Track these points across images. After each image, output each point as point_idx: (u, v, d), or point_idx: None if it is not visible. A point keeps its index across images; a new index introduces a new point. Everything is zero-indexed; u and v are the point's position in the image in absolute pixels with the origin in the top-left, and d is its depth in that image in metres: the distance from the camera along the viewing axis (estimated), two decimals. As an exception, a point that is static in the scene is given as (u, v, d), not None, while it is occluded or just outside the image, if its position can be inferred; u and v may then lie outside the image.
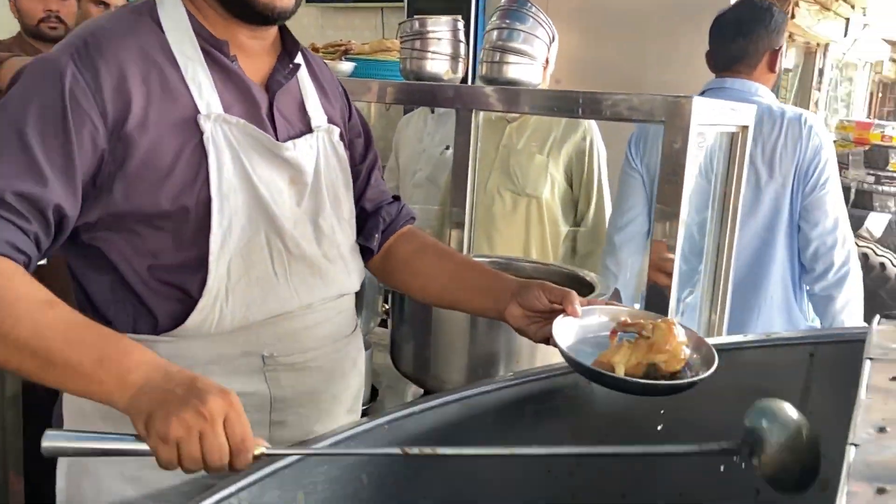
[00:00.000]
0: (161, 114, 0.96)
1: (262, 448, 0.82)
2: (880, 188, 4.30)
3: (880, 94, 15.23)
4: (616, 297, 2.36)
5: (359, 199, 1.19)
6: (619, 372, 0.91)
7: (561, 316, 1.01)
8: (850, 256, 1.95)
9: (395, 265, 1.23)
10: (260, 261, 1.04)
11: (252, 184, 1.02)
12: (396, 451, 0.89)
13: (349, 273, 1.15)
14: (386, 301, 1.89)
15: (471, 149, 1.66)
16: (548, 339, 1.05)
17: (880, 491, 0.51)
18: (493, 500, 1.06)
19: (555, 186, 2.21)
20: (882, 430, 0.62)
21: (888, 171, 4.31)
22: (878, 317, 0.97)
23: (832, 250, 1.92)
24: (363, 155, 1.24)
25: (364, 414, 1.54)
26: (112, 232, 0.98)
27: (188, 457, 0.77)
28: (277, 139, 1.05)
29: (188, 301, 1.00)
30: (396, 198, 1.28)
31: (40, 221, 0.89)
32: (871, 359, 0.82)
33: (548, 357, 1.43)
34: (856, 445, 0.60)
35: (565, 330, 1.00)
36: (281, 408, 1.08)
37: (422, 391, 1.59)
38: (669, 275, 1.34)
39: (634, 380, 0.91)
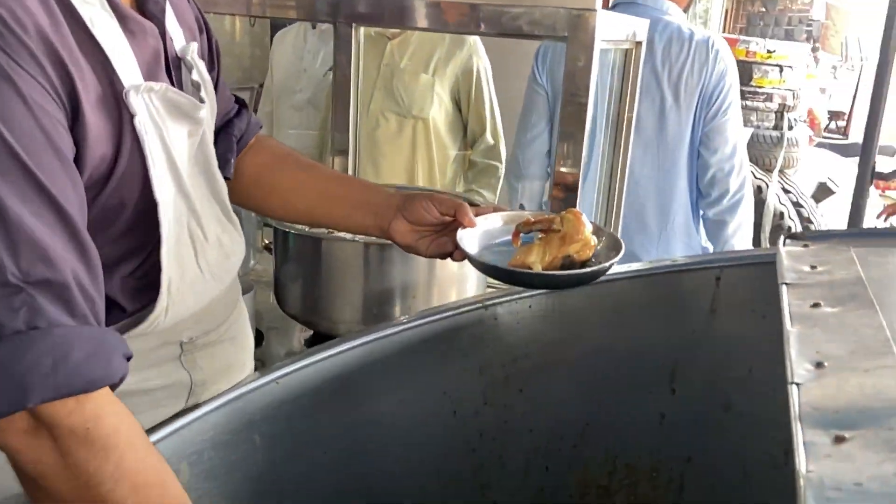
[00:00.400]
0: (91, 91, 0.71)
1: None
2: (744, 103, 4.48)
3: (734, 11, 15.92)
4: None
5: None
6: (538, 269, 0.88)
7: (461, 229, 0.95)
8: (745, 183, 1.99)
9: (246, 182, 1.04)
10: (188, 260, 0.86)
11: (175, 166, 0.81)
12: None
13: (237, 225, 0.97)
14: (267, 236, 1.75)
15: (352, 68, 1.52)
16: (442, 255, 0.98)
17: (838, 439, 0.47)
18: (399, 448, 1.00)
19: (442, 107, 2.11)
20: (819, 364, 0.59)
21: (751, 86, 4.49)
22: (782, 238, 0.96)
23: (728, 177, 1.95)
24: (210, 57, 0.97)
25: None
26: None
27: None
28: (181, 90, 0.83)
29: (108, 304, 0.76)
30: (240, 102, 1.06)
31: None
32: (786, 284, 0.80)
33: (445, 291, 1.37)
34: (797, 385, 0.56)
35: (469, 240, 0.95)
36: (199, 392, 0.94)
37: (311, 332, 1.49)
38: (573, 197, 1.30)
39: (560, 273, 0.89)
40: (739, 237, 2.03)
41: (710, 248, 2.12)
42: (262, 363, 1.45)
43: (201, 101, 0.86)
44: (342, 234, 1.26)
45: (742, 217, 2.00)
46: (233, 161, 1.00)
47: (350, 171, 1.92)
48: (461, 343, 1.02)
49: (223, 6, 1.54)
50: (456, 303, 1.02)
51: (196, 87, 0.87)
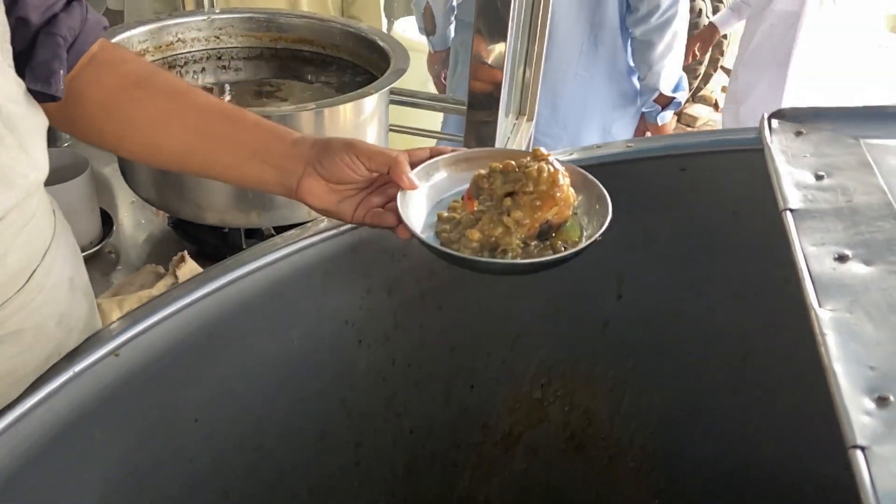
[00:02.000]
0: None
1: None
2: None
3: None
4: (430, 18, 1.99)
5: (10, 7, 0.65)
6: (515, 249, 0.64)
7: (400, 192, 0.68)
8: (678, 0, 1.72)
9: (93, 111, 0.73)
10: None
11: None
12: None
13: (29, 152, 0.64)
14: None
15: None
16: (379, 225, 0.71)
17: None
18: (294, 392, 0.81)
19: None
20: (883, 400, 0.42)
21: None
22: (765, 117, 0.75)
23: None
24: None
25: (94, 253, 1.15)
26: None
27: None
28: None
29: None
30: None
31: None
32: (791, 211, 0.60)
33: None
34: (863, 449, 0.39)
35: (414, 208, 0.69)
36: None
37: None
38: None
39: (549, 258, 0.64)
40: (668, 63, 1.80)
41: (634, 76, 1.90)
42: (115, 253, 1.19)
43: None
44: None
45: (672, 39, 1.76)
46: (61, 73, 0.67)
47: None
48: (362, 262, 0.80)
49: None
50: (353, 213, 0.78)
51: None
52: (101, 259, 1.16)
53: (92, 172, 1.12)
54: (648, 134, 2.04)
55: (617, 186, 0.82)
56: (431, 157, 0.71)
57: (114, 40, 1.18)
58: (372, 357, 0.86)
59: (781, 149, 0.69)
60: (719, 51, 4.49)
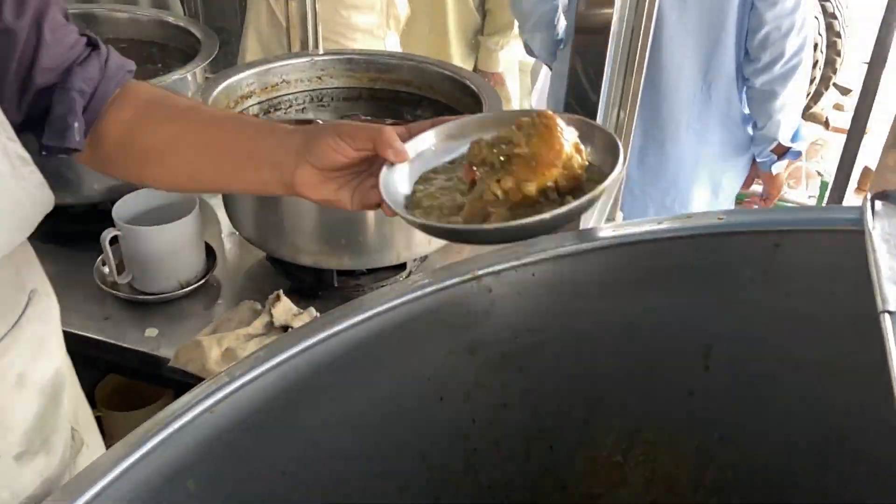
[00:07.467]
0: None
1: None
2: None
3: None
4: None
5: (28, 72, 0.70)
6: (499, 216, 0.65)
7: (385, 166, 0.69)
8: (804, 46, 1.66)
9: (111, 149, 0.78)
10: None
11: None
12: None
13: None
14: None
15: None
16: (374, 205, 0.73)
17: None
18: (376, 446, 0.84)
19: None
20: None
21: None
22: (868, 197, 0.72)
23: (786, 38, 1.62)
24: None
25: (199, 286, 1.22)
26: None
27: None
28: None
29: None
30: (91, 40, 0.76)
31: None
32: (889, 312, 0.58)
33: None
34: None
35: (396, 183, 0.70)
36: None
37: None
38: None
39: (521, 223, 0.65)
40: (787, 112, 1.74)
41: (748, 124, 1.83)
42: (217, 285, 1.25)
43: None
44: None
45: (794, 89, 1.70)
46: (76, 126, 0.72)
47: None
48: (446, 323, 0.82)
49: None
50: (438, 275, 0.80)
51: None
52: (203, 292, 1.23)
53: (199, 211, 1.18)
54: (759, 183, 1.97)
55: (707, 260, 0.81)
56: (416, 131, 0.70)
57: (223, 84, 1.25)
58: (452, 414, 0.87)
59: (885, 237, 0.66)
60: (832, 68, 4.29)
